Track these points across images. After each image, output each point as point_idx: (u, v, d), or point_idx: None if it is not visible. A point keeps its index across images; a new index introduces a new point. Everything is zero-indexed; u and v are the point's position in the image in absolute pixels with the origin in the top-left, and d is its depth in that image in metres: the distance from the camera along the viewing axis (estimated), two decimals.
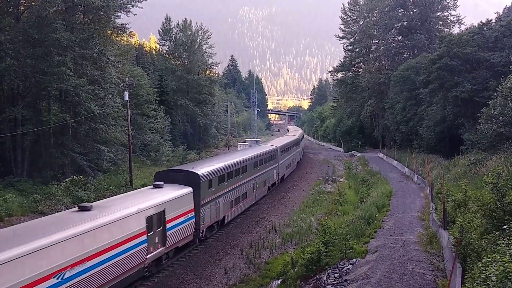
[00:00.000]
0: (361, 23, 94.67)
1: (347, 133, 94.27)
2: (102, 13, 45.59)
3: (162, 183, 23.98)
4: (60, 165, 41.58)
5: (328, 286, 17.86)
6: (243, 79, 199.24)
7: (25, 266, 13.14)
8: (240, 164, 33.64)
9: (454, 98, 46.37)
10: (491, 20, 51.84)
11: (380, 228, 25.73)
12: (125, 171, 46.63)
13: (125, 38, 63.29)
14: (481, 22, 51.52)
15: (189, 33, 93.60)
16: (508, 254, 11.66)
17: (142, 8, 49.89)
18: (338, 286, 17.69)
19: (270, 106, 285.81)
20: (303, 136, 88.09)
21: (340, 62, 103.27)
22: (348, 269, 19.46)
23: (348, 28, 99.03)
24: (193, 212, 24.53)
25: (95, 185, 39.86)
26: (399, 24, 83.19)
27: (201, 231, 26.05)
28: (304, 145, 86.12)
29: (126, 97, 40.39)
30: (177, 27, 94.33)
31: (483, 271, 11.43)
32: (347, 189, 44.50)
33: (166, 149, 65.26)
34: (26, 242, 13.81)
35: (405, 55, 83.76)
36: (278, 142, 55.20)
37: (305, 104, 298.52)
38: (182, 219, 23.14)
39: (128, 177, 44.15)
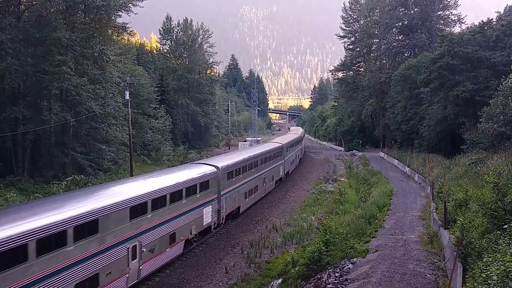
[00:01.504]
0: (362, 22, 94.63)
1: (348, 133, 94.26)
2: (103, 12, 45.64)
3: None
4: (61, 164, 41.62)
5: (329, 286, 17.85)
6: (243, 78, 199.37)
7: None
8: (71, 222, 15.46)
9: (455, 97, 46.31)
10: (492, 19, 51.74)
11: (381, 227, 25.73)
12: (126, 170, 46.67)
13: (126, 38, 63.38)
14: (482, 21, 51.41)
15: (190, 32, 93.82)
16: (509, 254, 11.66)
17: (143, 7, 49.96)
18: (339, 286, 17.69)
19: (271, 105, 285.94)
20: (299, 140, 69.00)
21: (341, 61, 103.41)
22: (349, 268, 19.46)
23: (349, 27, 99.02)
24: None
25: (96, 184, 39.88)
26: (400, 23, 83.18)
27: None
28: (300, 150, 69.81)
29: (127, 97, 40.41)
30: (178, 26, 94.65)
31: (484, 271, 11.43)
32: (347, 188, 44.45)
33: (167, 149, 65.46)
34: None
35: (406, 54, 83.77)
36: (225, 158, 34.19)
37: (306, 103, 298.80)
38: None
39: (129, 176, 44.17)
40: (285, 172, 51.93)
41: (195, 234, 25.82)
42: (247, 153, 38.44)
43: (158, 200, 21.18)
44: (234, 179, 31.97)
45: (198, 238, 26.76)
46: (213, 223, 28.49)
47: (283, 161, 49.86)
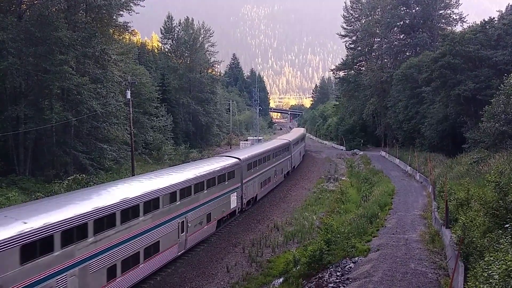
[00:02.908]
0: (363, 22, 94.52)
1: (349, 132, 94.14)
2: (104, 11, 45.71)
3: None
4: (62, 163, 41.69)
5: (330, 285, 17.86)
6: (245, 77, 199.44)
7: None
8: None
9: (456, 96, 46.22)
10: (493, 18, 51.62)
11: (383, 226, 25.72)
12: (127, 169, 46.71)
13: (127, 37, 63.37)
14: (484, 20, 51.27)
15: (191, 31, 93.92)
16: (510, 253, 11.66)
17: (144, 6, 50.00)
18: (340, 285, 17.69)
19: (272, 104, 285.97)
20: (285, 146, 53.39)
21: (342, 61, 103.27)
22: (350, 267, 19.46)
23: (350, 26, 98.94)
24: None
25: (98, 183, 39.91)
26: (402, 23, 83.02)
27: None
28: (288, 160, 54.67)
29: (128, 96, 40.42)
30: (179, 25, 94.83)
31: (486, 270, 11.44)
32: (349, 187, 44.44)
33: (168, 148, 65.46)
34: None
35: (408, 54, 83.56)
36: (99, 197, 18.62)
37: (307, 102, 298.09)
38: None
39: (131, 175, 44.18)
40: (245, 202, 35.60)
41: None
42: (149, 183, 22.27)
43: None
44: (96, 239, 16.97)
45: None
46: None
47: (239, 185, 34.12)
